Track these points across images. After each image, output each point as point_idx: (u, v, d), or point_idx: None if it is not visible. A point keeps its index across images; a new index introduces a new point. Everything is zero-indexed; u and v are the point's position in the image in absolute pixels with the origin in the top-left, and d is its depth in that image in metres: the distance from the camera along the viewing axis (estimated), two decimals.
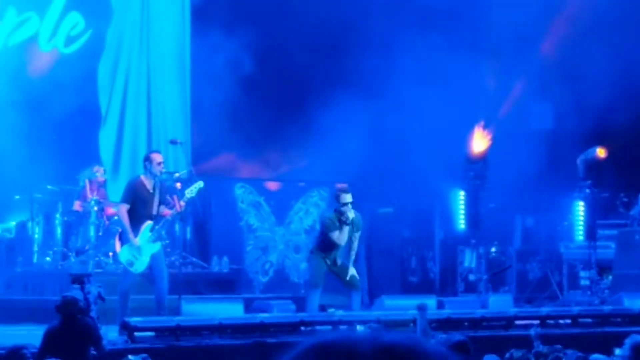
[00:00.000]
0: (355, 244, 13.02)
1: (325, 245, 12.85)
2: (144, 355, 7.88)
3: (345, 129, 18.08)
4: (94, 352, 9.39)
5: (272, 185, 17.10)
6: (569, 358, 8.36)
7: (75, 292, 9.64)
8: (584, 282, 17.29)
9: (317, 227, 13.25)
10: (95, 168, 15.48)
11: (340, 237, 12.78)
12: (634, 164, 17.88)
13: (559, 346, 8.62)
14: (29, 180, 15.42)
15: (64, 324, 9.30)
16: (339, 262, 12.95)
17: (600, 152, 17.81)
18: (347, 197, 12.93)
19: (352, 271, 13.01)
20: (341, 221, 12.79)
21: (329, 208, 13.05)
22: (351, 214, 12.84)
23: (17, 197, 15.42)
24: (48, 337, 9.26)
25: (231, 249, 16.36)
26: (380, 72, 17.64)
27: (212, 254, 16.24)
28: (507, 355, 8.35)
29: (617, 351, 8.57)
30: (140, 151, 16.24)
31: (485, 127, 17.92)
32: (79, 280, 10.17)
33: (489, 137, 17.63)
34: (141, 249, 12.15)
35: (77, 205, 15.13)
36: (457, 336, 8.31)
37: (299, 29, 17.44)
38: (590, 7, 18.05)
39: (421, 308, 10.47)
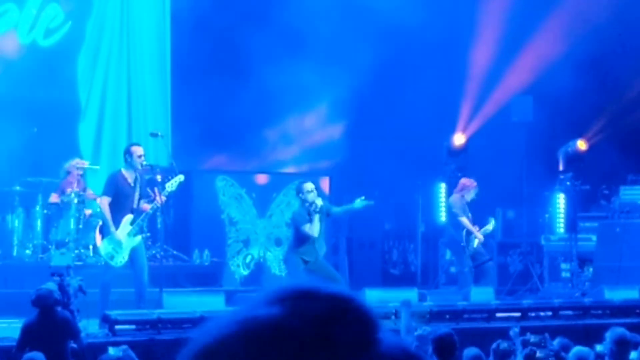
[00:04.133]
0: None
1: (300, 241, 12.80)
2: (125, 346, 7.84)
3: (325, 122, 18.08)
4: (74, 345, 9.34)
5: (260, 178, 17.06)
6: (550, 348, 8.36)
7: (49, 285, 9.58)
8: (565, 275, 17.34)
9: (290, 225, 13.19)
10: (77, 161, 15.36)
11: (313, 228, 12.70)
12: (614, 157, 17.93)
13: (546, 334, 8.63)
14: (9, 172, 15.33)
15: (41, 317, 9.25)
16: (321, 253, 12.91)
17: (581, 145, 17.87)
18: (309, 185, 12.86)
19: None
20: (310, 212, 12.71)
21: (302, 204, 12.96)
22: (319, 201, 12.75)
23: None
24: (26, 331, 9.21)
25: (212, 242, 16.32)
26: (360, 64, 17.61)
27: (193, 247, 16.20)
28: (494, 345, 8.35)
29: (598, 347, 8.58)
30: (121, 144, 16.16)
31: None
32: (58, 272, 10.11)
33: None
34: (122, 243, 12.09)
35: (53, 197, 15.02)
36: (443, 329, 8.30)
37: (283, 28, 17.42)
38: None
39: (405, 304, 10.42)
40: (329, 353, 1.26)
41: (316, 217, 12.70)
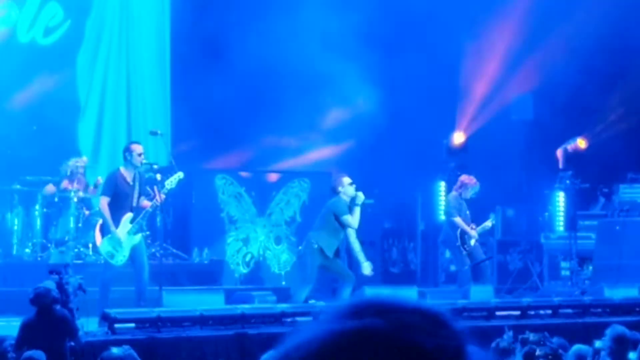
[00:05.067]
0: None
1: (329, 233, 12.81)
2: (127, 346, 7.84)
3: (324, 120, 18.08)
4: (72, 344, 9.34)
5: (273, 177, 17.07)
6: (550, 346, 8.36)
7: (48, 283, 9.57)
8: (565, 273, 17.33)
9: (322, 217, 13.17)
10: (75, 161, 15.32)
11: (354, 219, 12.78)
12: (614, 155, 17.93)
13: (545, 333, 8.62)
14: (8, 171, 15.33)
15: (40, 316, 9.25)
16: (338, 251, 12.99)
17: (581, 143, 17.87)
18: (347, 179, 12.95)
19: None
20: (351, 204, 12.79)
21: (336, 196, 13.00)
22: (361, 194, 12.84)
23: None
24: (24, 329, 9.21)
25: (212, 240, 16.32)
26: (361, 62, 17.61)
27: (192, 246, 16.20)
28: (493, 344, 8.33)
29: (597, 343, 8.57)
30: (120, 142, 16.17)
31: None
32: (57, 270, 10.11)
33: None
34: (122, 241, 12.10)
35: (50, 187, 14.97)
36: None
37: (279, 22, 17.41)
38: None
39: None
40: None
41: (357, 209, 12.76)
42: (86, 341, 9.93)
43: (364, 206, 13.37)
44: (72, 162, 15.17)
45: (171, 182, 12.39)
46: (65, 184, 14.94)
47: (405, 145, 17.98)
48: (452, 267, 17.63)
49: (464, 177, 15.07)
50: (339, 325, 1.28)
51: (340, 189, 12.92)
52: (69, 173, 15.09)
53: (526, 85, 18.83)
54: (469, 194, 14.79)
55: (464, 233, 14.64)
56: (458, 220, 14.63)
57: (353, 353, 1.25)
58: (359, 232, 17.67)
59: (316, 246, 12.81)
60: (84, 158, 15.56)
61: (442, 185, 18.46)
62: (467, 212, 14.83)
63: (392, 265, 18.72)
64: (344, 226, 12.91)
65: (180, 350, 10.84)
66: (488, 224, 15.08)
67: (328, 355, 1.25)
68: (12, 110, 16.28)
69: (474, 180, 14.87)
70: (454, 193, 15.00)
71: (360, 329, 1.26)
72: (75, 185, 14.87)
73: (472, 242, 14.70)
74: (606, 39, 17.73)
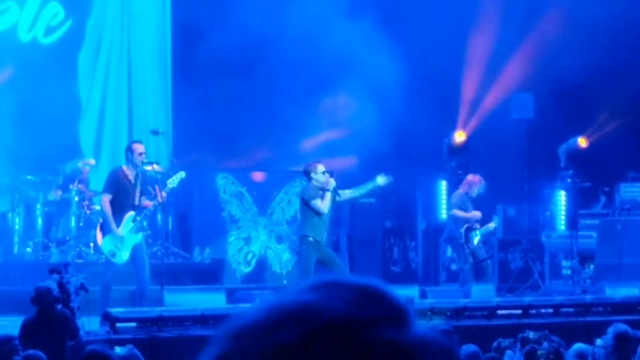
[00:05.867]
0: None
1: (312, 222, 12.79)
2: (130, 345, 7.85)
3: (325, 120, 18.08)
4: (73, 343, 9.35)
5: (261, 176, 17.06)
6: (550, 345, 8.36)
7: (49, 282, 9.58)
8: (566, 272, 17.33)
9: (300, 208, 13.20)
10: (81, 163, 15.30)
11: (323, 204, 12.73)
12: (615, 154, 17.93)
13: (546, 331, 8.62)
14: (9, 170, 15.33)
15: (40, 315, 9.26)
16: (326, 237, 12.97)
17: (582, 142, 17.87)
18: (322, 166, 12.94)
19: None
20: (322, 190, 12.75)
21: (307, 182, 13.02)
22: (332, 181, 12.81)
23: None
24: (25, 328, 9.22)
25: (213, 240, 16.32)
26: (361, 63, 17.61)
27: (194, 245, 16.20)
28: (495, 344, 8.34)
29: (598, 341, 8.58)
30: (121, 141, 16.18)
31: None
32: (57, 270, 10.12)
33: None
34: (123, 240, 12.11)
35: (57, 194, 14.99)
36: (442, 326, 8.31)
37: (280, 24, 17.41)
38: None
39: (407, 302, 10.41)
40: (365, 334, 1.24)
41: (328, 194, 12.74)
42: (87, 340, 9.94)
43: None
44: (80, 164, 15.13)
45: (173, 181, 12.40)
46: (70, 186, 14.93)
47: (406, 144, 17.98)
48: (454, 266, 17.62)
49: (470, 176, 15.16)
50: (272, 302, 1.29)
51: (312, 175, 12.93)
52: (69, 172, 15.06)
53: (527, 84, 18.82)
54: (475, 192, 14.88)
55: (468, 231, 14.68)
56: (456, 212, 14.73)
57: (270, 324, 1.26)
58: (360, 231, 17.73)
59: (311, 239, 12.76)
60: (91, 160, 15.49)
61: (443, 184, 18.45)
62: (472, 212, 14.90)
63: (394, 264, 18.72)
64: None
65: (182, 350, 10.84)
66: (492, 225, 15.15)
67: (251, 326, 1.27)
68: (13, 110, 16.28)
69: (479, 178, 14.95)
70: (459, 191, 15.08)
71: (282, 304, 1.27)
72: (76, 185, 14.85)
73: (476, 240, 14.73)
74: (607, 37, 17.72)
